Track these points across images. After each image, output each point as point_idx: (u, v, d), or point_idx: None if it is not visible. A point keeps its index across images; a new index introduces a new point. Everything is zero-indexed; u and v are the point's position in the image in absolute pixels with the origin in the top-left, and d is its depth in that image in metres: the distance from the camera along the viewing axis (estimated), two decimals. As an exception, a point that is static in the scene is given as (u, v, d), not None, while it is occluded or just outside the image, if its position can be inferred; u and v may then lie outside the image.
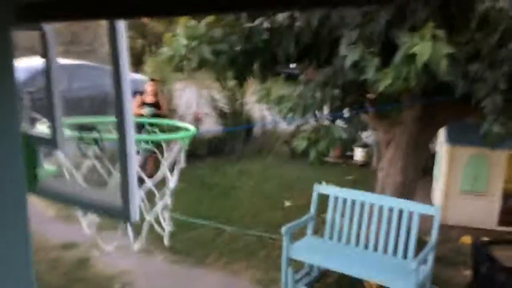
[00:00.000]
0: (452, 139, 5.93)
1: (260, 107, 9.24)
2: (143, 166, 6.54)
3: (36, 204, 6.31)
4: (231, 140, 9.16)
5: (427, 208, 4.23)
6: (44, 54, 0.56)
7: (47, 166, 0.66)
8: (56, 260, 4.94)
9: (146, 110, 7.00)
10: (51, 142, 0.58)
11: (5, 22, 0.41)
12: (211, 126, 9.42)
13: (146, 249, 5.14)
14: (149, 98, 7.24)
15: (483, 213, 5.85)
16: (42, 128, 0.63)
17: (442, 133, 6.33)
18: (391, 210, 4.31)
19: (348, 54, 3.73)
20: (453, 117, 5.10)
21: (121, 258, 4.89)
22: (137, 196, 0.52)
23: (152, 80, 7.60)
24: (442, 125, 5.54)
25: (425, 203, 4.57)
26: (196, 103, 9.56)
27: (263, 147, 9.28)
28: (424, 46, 3.37)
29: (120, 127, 0.49)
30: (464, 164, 5.87)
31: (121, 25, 0.47)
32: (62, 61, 10.42)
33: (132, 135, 0.51)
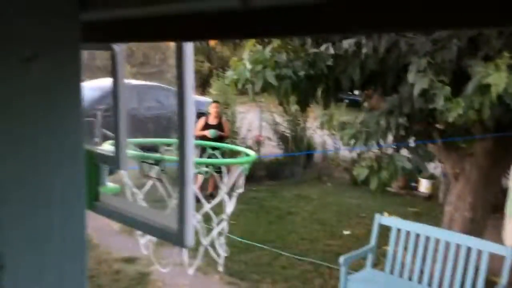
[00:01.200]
0: (528, 175, 5.52)
1: (322, 132, 9.17)
2: (202, 187, 6.64)
3: (102, 218, 6.56)
4: (291, 165, 9.12)
5: (498, 248, 3.95)
6: (113, 74, 0.57)
7: (110, 184, 0.68)
8: (118, 273, 5.09)
9: (210, 132, 7.14)
10: (114, 161, 0.60)
11: (74, 42, 0.42)
12: (272, 149, 9.44)
13: (203, 269, 5.17)
14: (212, 120, 7.41)
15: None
16: (108, 146, 0.64)
17: (516, 168, 5.92)
18: (458, 247, 4.06)
19: (417, 82, 3.61)
20: (529, 152, 4.77)
21: (178, 276, 4.94)
22: (192, 221, 0.51)
23: (216, 102, 7.78)
24: (517, 159, 5.19)
25: (496, 242, 4.27)
26: (258, 126, 9.64)
27: (323, 173, 9.14)
28: (499, 77, 3.19)
29: (181, 149, 0.49)
30: (541, 202, 5.44)
31: (189, 47, 0.47)
32: (133, 81, 10.96)
33: (192, 157, 0.50)
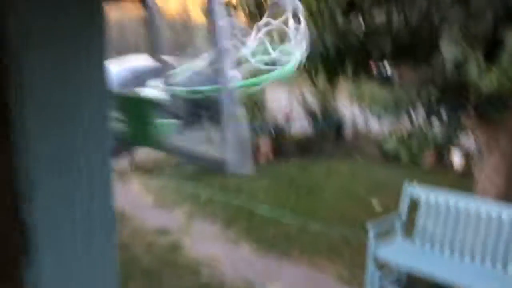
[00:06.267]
0: None
1: (352, 108, 9.11)
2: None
3: (136, 192, 6.79)
4: (321, 140, 9.12)
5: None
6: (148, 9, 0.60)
7: (168, 122, 0.74)
8: (151, 245, 5.28)
9: None
10: (164, 104, 0.66)
11: None
12: (302, 125, 9.45)
13: (233, 239, 5.33)
14: None
15: None
16: (152, 92, 0.71)
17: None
18: (490, 217, 4.03)
19: (449, 52, 3.58)
20: None
21: (209, 246, 5.11)
22: (234, 152, 0.57)
23: None
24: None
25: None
26: (287, 102, 9.65)
27: (353, 148, 9.11)
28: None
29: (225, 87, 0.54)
30: None
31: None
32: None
33: (235, 96, 0.56)
